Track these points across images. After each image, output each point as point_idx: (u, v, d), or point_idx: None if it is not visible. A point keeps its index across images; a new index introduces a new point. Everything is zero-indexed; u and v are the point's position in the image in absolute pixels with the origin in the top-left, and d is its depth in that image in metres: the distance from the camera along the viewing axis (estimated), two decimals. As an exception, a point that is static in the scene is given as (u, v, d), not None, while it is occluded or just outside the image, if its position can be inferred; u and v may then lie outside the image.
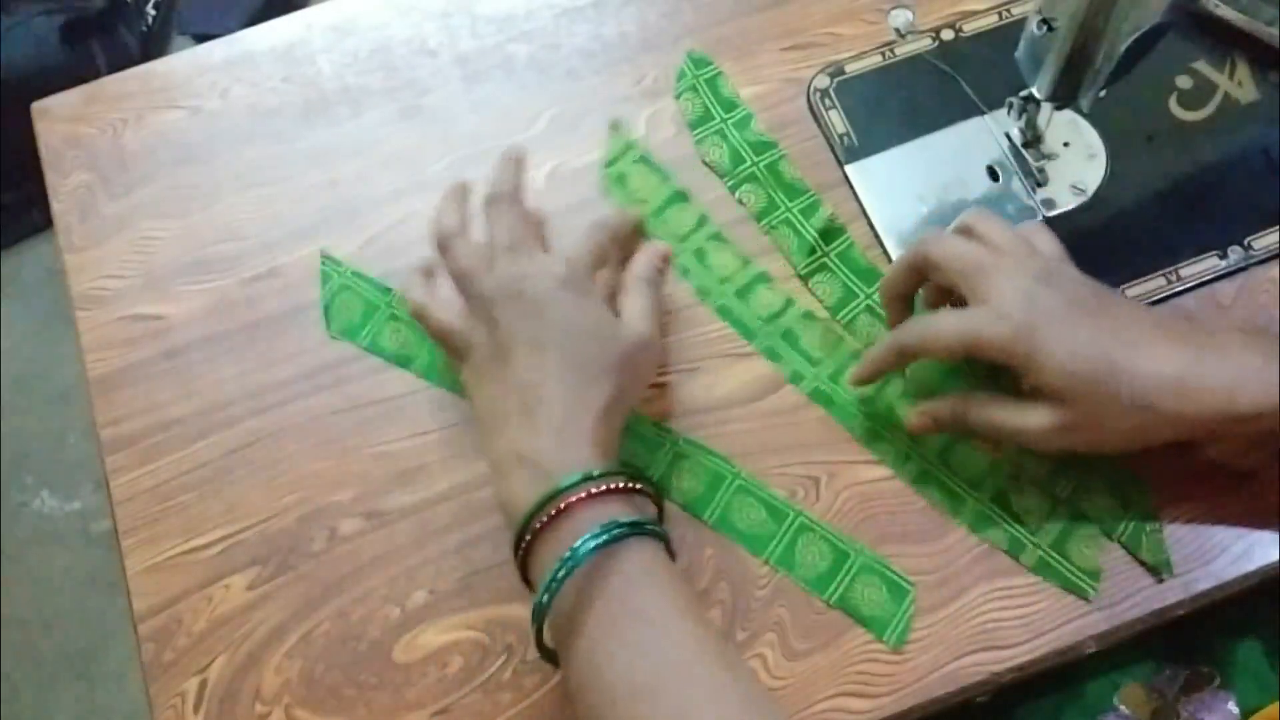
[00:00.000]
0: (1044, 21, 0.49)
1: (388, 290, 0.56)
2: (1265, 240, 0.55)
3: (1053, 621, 0.48)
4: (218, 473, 0.53)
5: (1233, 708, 0.49)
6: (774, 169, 0.58)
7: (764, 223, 0.57)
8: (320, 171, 0.60)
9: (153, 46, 1.54)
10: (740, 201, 0.57)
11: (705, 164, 0.58)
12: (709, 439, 0.52)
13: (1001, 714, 0.52)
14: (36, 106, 0.62)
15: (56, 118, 0.62)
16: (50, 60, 1.39)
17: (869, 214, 0.57)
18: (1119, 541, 0.49)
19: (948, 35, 0.61)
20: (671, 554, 0.45)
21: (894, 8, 0.62)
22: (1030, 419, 0.46)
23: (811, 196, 0.57)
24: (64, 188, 0.60)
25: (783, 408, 0.53)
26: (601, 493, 0.42)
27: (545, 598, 0.41)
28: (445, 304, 0.49)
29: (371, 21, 0.64)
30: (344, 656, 0.50)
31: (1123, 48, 0.48)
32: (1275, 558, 0.49)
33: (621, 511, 0.43)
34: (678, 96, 0.60)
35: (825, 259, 0.56)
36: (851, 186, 0.58)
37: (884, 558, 0.50)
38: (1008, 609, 0.49)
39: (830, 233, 0.56)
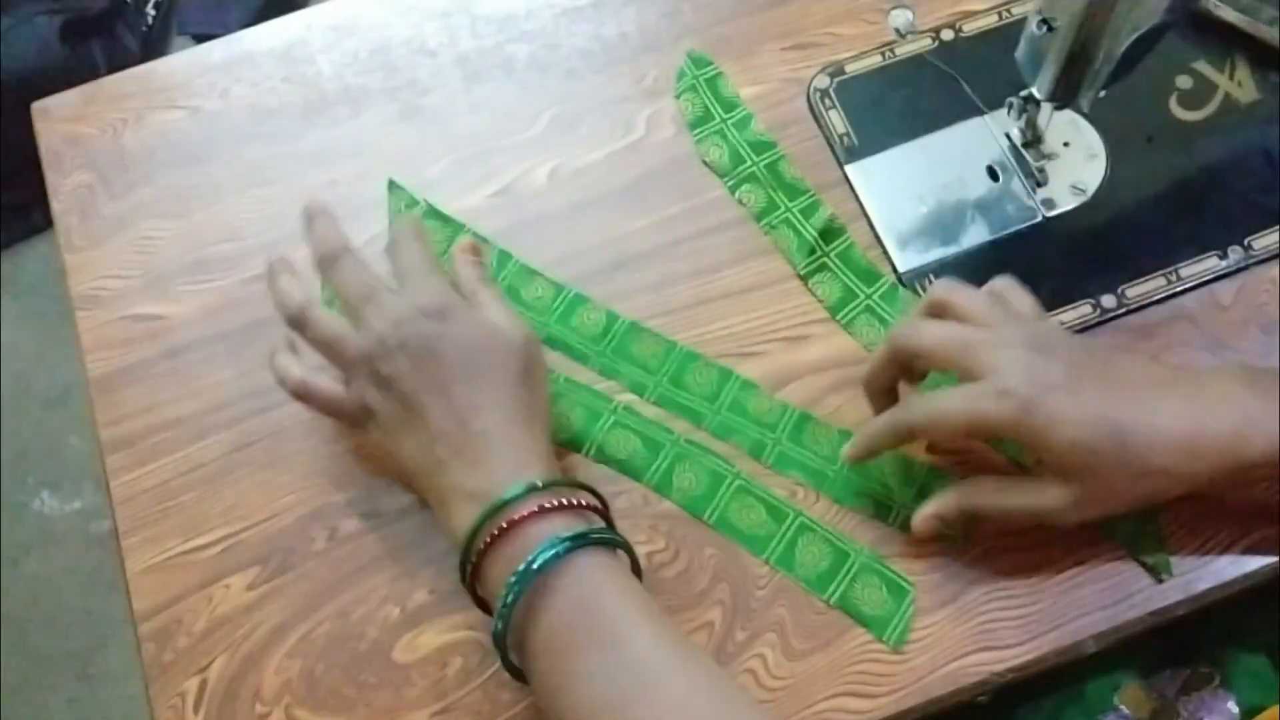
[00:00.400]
0: (1044, 21, 0.49)
1: (388, 290, 0.56)
2: (1265, 240, 0.55)
3: (1052, 621, 0.48)
4: (218, 473, 0.53)
5: (1233, 708, 0.49)
6: (774, 169, 0.58)
7: (764, 223, 0.57)
8: (320, 171, 0.60)
9: (153, 46, 1.54)
10: (740, 201, 0.57)
11: (705, 164, 0.58)
12: (710, 440, 0.53)
13: (1001, 714, 0.52)
14: (36, 106, 0.62)
15: (56, 118, 0.62)
16: (50, 60, 1.39)
17: (869, 214, 0.57)
18: (1120, 541, 0.49)
19: (948, 35, 0.61)
20: (634, 559, 0.45)
21: (894, 8, 0.62)
22: (1045, 500, 0.45)
23: (811, 196, 0.57)
24: (64, 188, 0.60)
25: (799, 400, 0.53)
26: (551, 509, 0.42)
27: (500, 624, 0.41)
28: (325, 376, 0.47)
29: (371, 21, 0.64)
30: (344, 656, 0.50)
31: (1123, 48, 0.48)
32: (1275, 558, 0.49)
33: (566, 525, 0.42)
34: (678, 96, 0.60)
35: (825, 259, 0.56)
36: (851, 186, 0.58)
37: (884, 558, 0.50)
38: (1008, 609, 0.49)
39: (830, 233, 0.56)
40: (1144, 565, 0.49)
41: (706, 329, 0.55)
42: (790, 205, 0.57)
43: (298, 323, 0.48)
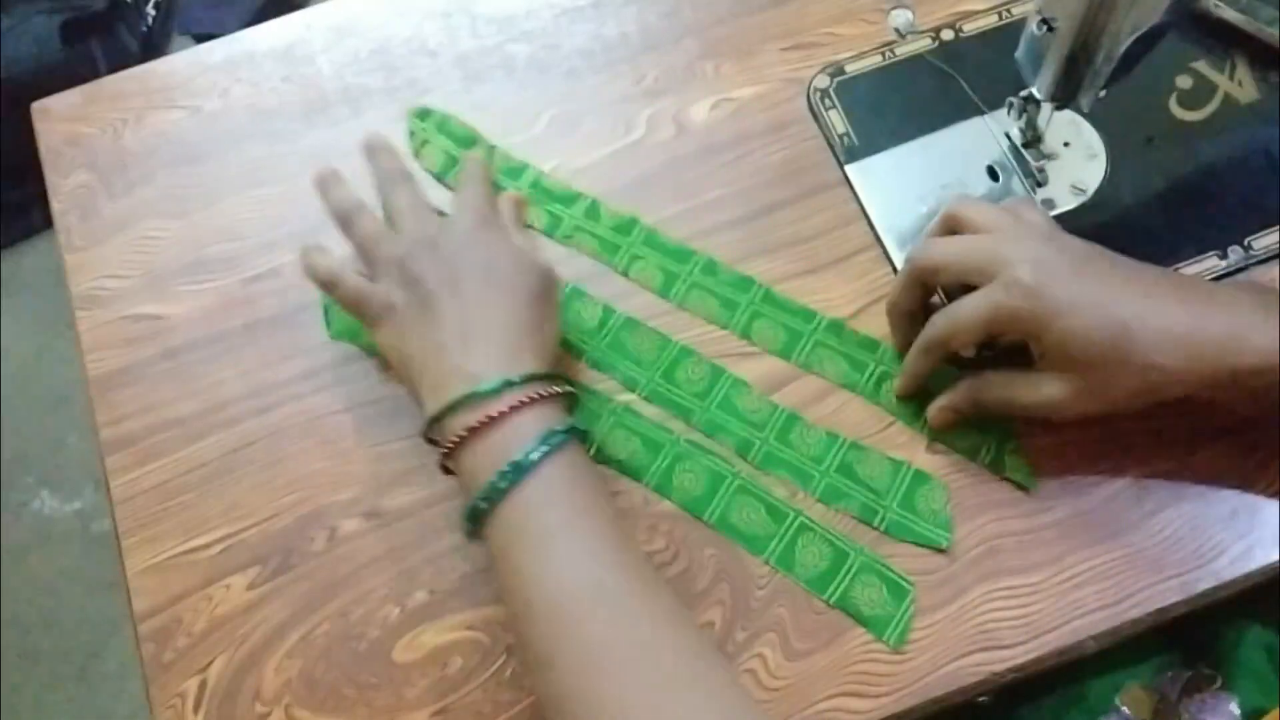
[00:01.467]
0: (1044, 21, 0.49)
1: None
2: (1265, 240, 0.55)
3: (1053, 621, 0.48)
4: (218, 473, 0.53)
5: (1234, 709, 0.48)
6: (539, 185, 0.58)
7: (557, 236, 0.57)
8: (320, 171, 0.60)
9: (153, 46, 1.54)
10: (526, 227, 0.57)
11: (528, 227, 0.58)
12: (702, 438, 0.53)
13: (1002, 714, 0.52)
14: (36, 106, 0.62)
15: (56, 118, 0.62)
16: (50, 60, 1.39)
17: (869, 214, 0.57)
18: (983, 464, 0.50)
19: (948, 35, 0.61)
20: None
21: (894, 8, 0.62)
22: (1046, 390, 0.47)
23: (587, 199, 0.57)
24: (64, 188, 0.60)
25: (792, 403, 0.53)
26: (547, 396, 0.45)
27: (485, 504, 0.43)
28: (355, 272, 0.50)
29: (371, 21, 0.64)
30: (344, 656, 0.50)
31: (1123, 48, 0.48)
32: (1275, 558, 0.49)
33: (558, 417, 0.45)
34: (415, 156, 0.59)
35: (633, 249, 0.56)
36: (851, 186, 0.58)
37: (884, 557, 0.50)
38: (1008, 609, 0.49)
39: (625, 225, 0.57)
40: (1010, 483, 0.50)
41: (706, 329, 0.55)
42: (570, 212, 0.58)
43: (344, 220, 0.51)
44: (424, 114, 0.60)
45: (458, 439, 0.44)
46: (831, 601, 0.49)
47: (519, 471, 0.43)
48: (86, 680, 1.24)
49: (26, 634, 1.27)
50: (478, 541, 0.45)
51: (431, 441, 0.47)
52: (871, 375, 0.53)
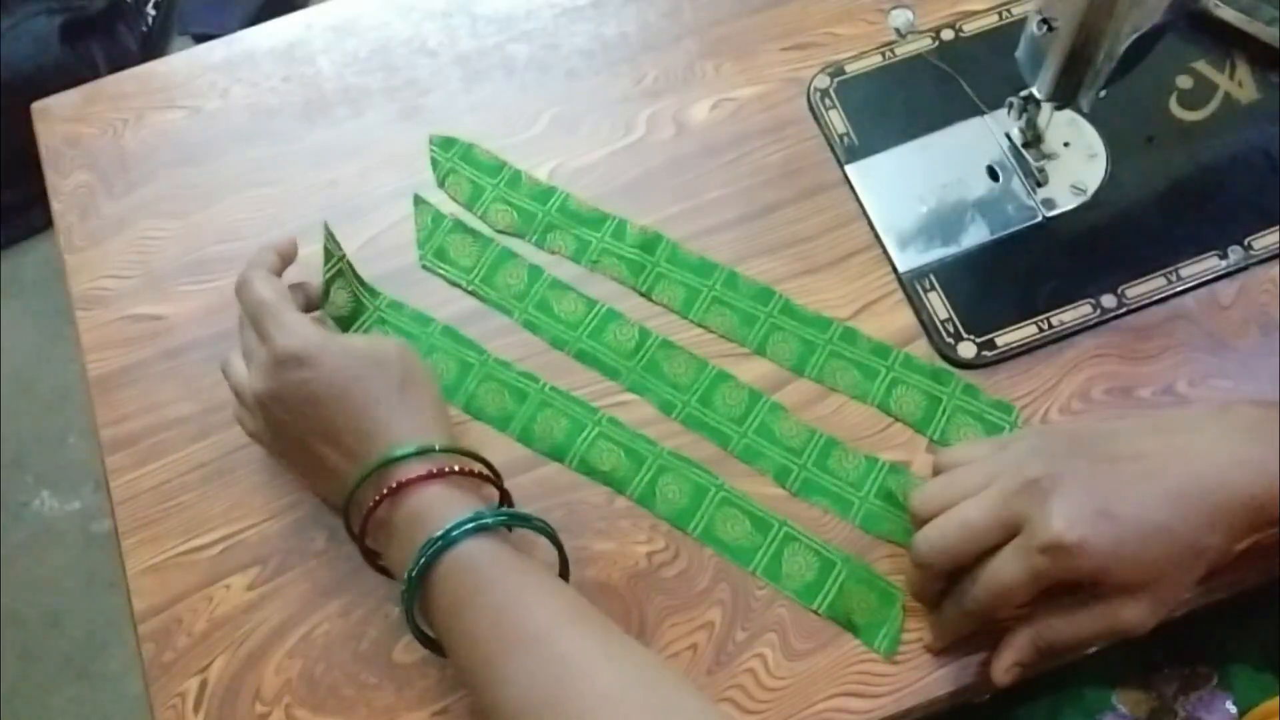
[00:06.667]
0: (1044, 21, 0.49)
1: (376, 294, 0.56)
2: (1265, 240, 0.55)
3: (1052, 621, 0.48)
4: (218, 473, 0.53)
5: (1230, 707, 0.48)
6: (565, 209, 0.57)
7: (584, 261, 0.56)
8: (320, 171, 0.60)
9: (153, 46, 1.54)
10: (551, 251, 0.57)
11: (500, 231, 0.58)
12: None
13: (1001, 714, 0.52)
14: (36, 106, 0.63)
15: (56, 118, 0.62)
16: (50, 60, 1.39)
17: (869, 214, 0.57)
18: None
19: (948, 35, 0.61)
20: (562, 555, 0.47)
21: (894, 8, 0.62)
22: (1123, 617, 0.44)
23: (614, 219, 0.57)
24: (64, 188, 0.60)
25: (791, 403, 0.53)
26: (454, 473, 0.44)
27: (407, 597, 0.43)
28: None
29: (371, 21, 0.64)
30: (344, 656, 0.50)
31: (1123, 48, 0.48)
32: (1274, 558, 0.49)
33: (459, 499, 0.44)
34: (442, 185, 0.59)
35: (657, 268, 0.56)
36: (851, 186, 0.58)
37: (872, 564, 0.49)
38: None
39: (650, 242, 0.56)
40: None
41: (705, 329, 0.55)
42: (599, 235, 0.57)
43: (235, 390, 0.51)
44: (447, 144, 0.60)
45: (374, 502, 0.44)
46: (820, 611, 0.49)
47: (446, 542, 0.42)
48: (86, 680, 1.24)
49: (26, 634, 1.27)
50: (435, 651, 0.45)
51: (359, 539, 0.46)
52: (883, 382, 0.53)
